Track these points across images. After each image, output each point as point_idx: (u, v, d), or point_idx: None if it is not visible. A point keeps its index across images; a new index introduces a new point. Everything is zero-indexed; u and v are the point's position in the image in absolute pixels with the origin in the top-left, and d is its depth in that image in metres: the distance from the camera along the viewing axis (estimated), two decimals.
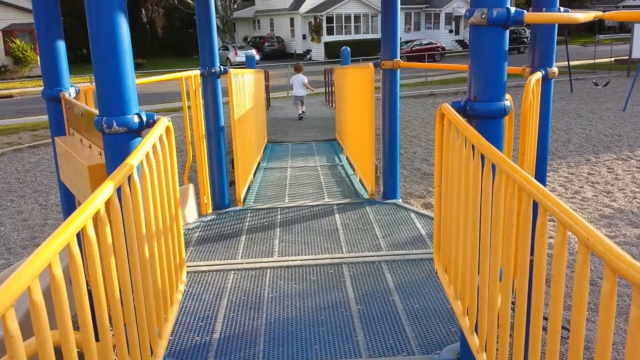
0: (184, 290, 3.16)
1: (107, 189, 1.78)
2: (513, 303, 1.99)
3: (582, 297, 1.43)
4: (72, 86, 3.74)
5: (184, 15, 46.74)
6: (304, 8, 45.44)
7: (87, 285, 1.62)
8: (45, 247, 1.37)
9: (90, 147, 2.97)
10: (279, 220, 5.13)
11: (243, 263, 4.14)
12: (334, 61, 29.62)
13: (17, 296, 1.22)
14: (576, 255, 1.42)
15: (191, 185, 5.47)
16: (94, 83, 2.58)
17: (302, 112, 14.25)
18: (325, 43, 43.46)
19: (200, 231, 4.87)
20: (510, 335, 1.94)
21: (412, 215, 5.05)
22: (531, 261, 1.76)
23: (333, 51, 39.47)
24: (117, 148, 2.41)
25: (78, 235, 1.55)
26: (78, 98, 3.69)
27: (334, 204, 5.57)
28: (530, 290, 1.73)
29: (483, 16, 2.37)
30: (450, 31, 47.36)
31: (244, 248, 4.43)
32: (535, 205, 1.69)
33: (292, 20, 46.97)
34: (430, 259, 4.02)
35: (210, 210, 5.47)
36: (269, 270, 3.99)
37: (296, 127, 12.58)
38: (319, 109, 16.78)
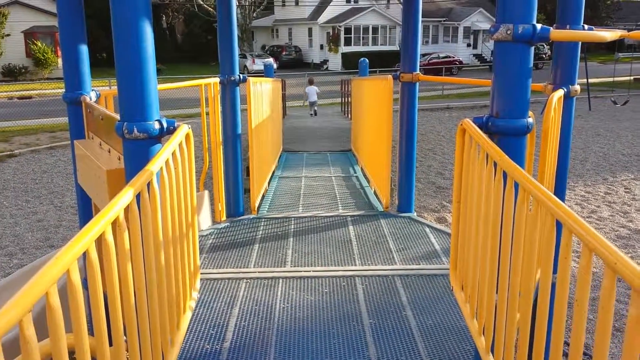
0: (197, 298, 3.14)
1: (127, 195, 1.77)
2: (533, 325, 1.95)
3: (606, 323, 1.39)
4: (92, 90, 3.76)
5: (203, 22, 47.13)
6: (323, 18, 45.64)
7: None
8: (64, 252, 1.36)
9: (109, 152, 2.98)
10: (292, 230, 5.11)
11: (255, 272, 4.12)
12: (351, 72, 29.70)
13: (34, 301, 1.22)
14: (601, 278, 1.39)
15: (206, 192, 5.48)
16: (113, 87, 2.59)
17: (314, 113, 18.45)
18: (342, 53, 43.58)
19: (213, 238, 4.86)
20: (529, 358, 1.90)
21: (427, 229, 5.01)
22: (553, 283, 1.72)
23: (350, 62, 39.55)
24: (137, 154, 2.42)
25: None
26: (99, 102, 3.71)
27: (348, 215, 5.55)
28: (551, 313, 1.69)
29: (508, 32, 2.34)
30: (468, 45, 47.28)
31: (257, 257, 4.42)
32: (557, 225, 1.66)
33: (310, 30, 47.19)
34: (444, 275, 3.98)
35: (224, 218, 5.47)
36: (281, 280, 3.97)
37: (311, 137, 12.59)
38: (335, 120, 16.79)
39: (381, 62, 35.41)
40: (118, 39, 2.41)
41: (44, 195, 10.06)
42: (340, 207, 6.00)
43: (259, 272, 4.12)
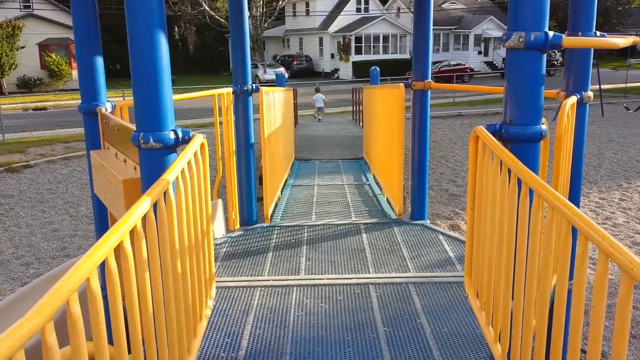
0: (213, 306, 3.16)
1: (144, 204, 1.80)
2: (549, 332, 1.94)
3: (623, 330, 1.39)
4: (108, 101, 3.81)
5: (215, 33, 47.50)
6: (333, 28, 45.81)
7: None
8: (85, 260, 1.38)
9: (125, 162, 3.02)
10: (305, 238, 5.12)
11: (270, 280, 4.13)
12: (362, 80, 29.75)
13: (56, 309, 1.24)
14: (618, 286, 1.38)
15: (220, 201, 5.51)
16: (127, 98, 2.64)
17: (319, 119, 19.89)
18: (353, 62, 43.69)
19: (227, 247, 4.88)
20: None
21: (440, 237, 5.00)
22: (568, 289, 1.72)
23: (361, 70, 39.62)
24: (153, 163, 2.45)
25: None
26: (114, 113, 3.76)
27: (361, 223, 5.55)
28: (567, 320, 1.69)
29: (521, 40, 2.35)
30: (479, 52, 47.22)
31: (271, 265, 4.43)
32: (573, 231, 1.66)
33: (321, 39, 47.37)
34: (458, 282, 3.96)
35: (237, 226, 5.49)
36: (295, 288, 3.97)
37: (323, 145, 12.62)
38: (346, 128, 16.81)
39: (392, 70, 35.45)
40: (134, 50, 2.45)
41: (59, 205, 10.16)
42: (353, 215, 6.01)
43: (273, 280, 4.13)
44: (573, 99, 3.12)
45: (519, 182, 2.07)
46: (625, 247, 1.40)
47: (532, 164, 2.42)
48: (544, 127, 2.48)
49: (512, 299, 2.11)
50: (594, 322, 1.50)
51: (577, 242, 1.59)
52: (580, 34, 3.35)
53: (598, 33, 3.37)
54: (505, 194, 2.17)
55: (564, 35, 2.48)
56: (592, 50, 3.66)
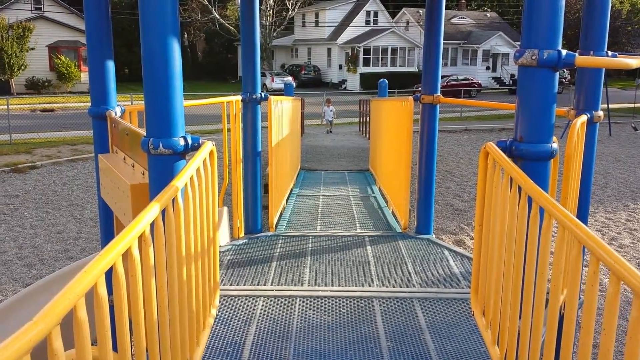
0: (215, 315, 3.14)
1: (153, 210, 1.79)
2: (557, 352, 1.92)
3: (635, 354, 1.37)
4: (117, 105, 3.82)
5: (224, 40, 47.75)
6: (342, 39, 45.98)
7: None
8: (92, 266, 1.37)
9: (133, 166, 3.02)
10: (310, 248, 5.10)
11: (273, 290, 4.11)
12: (369, 92, 29.80)
13: (63, 315, 1.23)
14: (629, 307, 1.37)
15: (225, 209, 5.50)
16: (135, 102, 2.64)
17: (330, 130, 19.74)
18: (361, 74, 43.79)
19: (231, 255, 4.87)
20: None
21: (446, 252, 4.97)
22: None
23: (368, 82, 39.70)
24: (162, 169, 2.45)
25: None
26: (123, 117, 3.77)
27: (365, 235, 5.53)
28: (576, 342, 1.67)
29: (533, 57, 2.35)
30: (487, 68, 47.27)
31: (275, 275, 4.41)
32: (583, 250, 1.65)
33: (329, 50, 47.52)
34: (464, 299, 3.93)
35: (242, 234, 5.48)
36: (298, 299, 3.95)
37: (329, 156, 12.62)
38: (353, 139, 16.81)
39: (399, 83, 35.47)
40: (146, 55, 2.45)
41: (64, 207, 10.17)
42: (358, 227, 5.99)
43: (276, 290, 4.11)
44: (583, 118, 3.11)
45: (529, 200, 2.05)
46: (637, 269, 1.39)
47: (543, 182, 2.41)
48: (554, 145, 2.46)
49: (520, 318, 2.09)
50: (604, 345, 1.48)
51: (589, 263, 1.57)
52: (591, 53, 3.35)
53: (610, 53, 3.36)
54: (515, 211, 2.16)
55: (576, 54, 2.48)
56: (604, 70, 3.66)
